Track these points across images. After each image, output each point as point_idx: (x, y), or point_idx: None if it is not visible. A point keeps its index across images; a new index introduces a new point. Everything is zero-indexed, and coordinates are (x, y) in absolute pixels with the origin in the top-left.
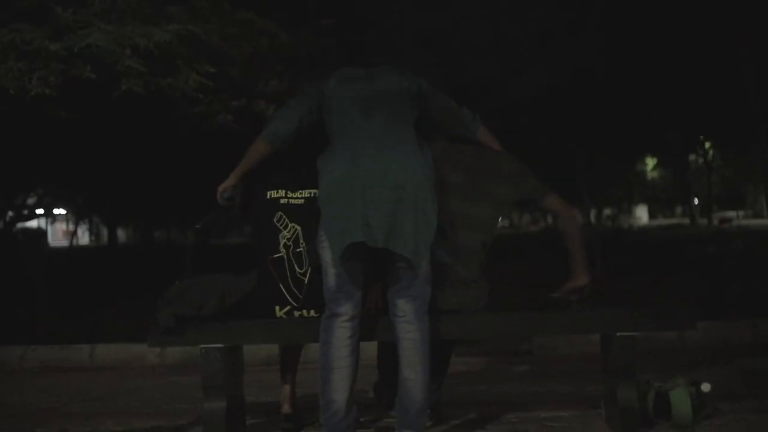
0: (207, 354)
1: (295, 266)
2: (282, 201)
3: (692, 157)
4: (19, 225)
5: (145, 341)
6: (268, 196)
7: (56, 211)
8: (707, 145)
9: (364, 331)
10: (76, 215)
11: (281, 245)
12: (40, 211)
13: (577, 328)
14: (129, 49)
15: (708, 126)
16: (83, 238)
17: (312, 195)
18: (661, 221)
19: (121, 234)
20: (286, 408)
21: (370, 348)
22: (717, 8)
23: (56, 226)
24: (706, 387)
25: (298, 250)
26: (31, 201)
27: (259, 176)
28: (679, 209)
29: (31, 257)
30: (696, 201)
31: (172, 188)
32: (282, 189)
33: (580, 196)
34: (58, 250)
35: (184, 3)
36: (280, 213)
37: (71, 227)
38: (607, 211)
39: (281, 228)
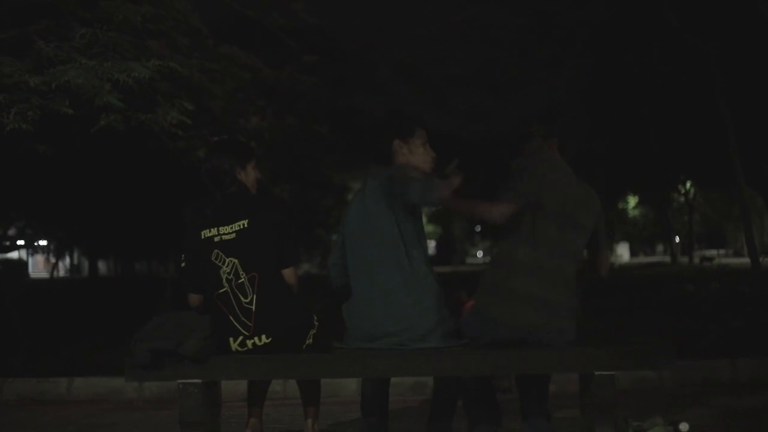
0: (185, 389)
1: (240, 297)
2: (216, 239)
3: (674, 195)
4: (0, 256)
5: (124, 375)
6: (202, 236)
7: (37, 242)
8: (688, 184)
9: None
10: (57, 247)
11: (224, 280)
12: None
13: (557, 367)
14: (108, 84)
15: (689, 165)
16: (64, 269)
17: (242, 226)
18: (642, 259)
19: (102, 266)
20: None
21: (350, 384)
22: (696, 50)
23: (37, 257)
24: (684, 427)
25: (239, 281)
26: (12, 232)
27: (191, 213)
28: (660, 247)
29: (9, 288)
30: (677, 239)
31: (153, 221)
32: (214, 227)
33: None
34: (39, 282)
35: (166, 38)
36: (216, 251)
37: (52, 259)
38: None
39: (220, 264)
